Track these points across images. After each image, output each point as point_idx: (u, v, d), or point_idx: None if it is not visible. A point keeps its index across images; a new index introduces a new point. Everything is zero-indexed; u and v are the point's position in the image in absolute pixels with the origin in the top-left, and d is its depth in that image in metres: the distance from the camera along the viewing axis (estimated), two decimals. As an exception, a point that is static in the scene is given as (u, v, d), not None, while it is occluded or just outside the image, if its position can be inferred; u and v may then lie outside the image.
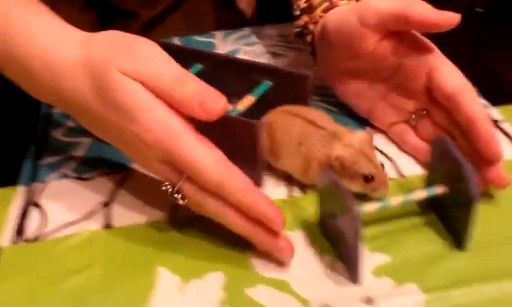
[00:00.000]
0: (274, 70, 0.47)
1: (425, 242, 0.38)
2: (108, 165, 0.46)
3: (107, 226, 0.41)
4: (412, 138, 0.46)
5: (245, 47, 0.63)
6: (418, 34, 0.44)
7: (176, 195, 0.36)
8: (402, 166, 0.45)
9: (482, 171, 0.40)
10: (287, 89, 0.47)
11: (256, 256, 0.38)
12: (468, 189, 0.35)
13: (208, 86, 0.36)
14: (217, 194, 0.35)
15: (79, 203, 0.43)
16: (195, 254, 0.38)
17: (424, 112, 0.45)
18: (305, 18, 0.50)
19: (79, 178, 0.45)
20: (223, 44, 0.64)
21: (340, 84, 0.49)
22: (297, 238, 0.39)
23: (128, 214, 0.42)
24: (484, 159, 0.40)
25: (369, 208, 0.37)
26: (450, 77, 0.42)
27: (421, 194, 0.38)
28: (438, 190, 0.38)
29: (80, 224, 0.41)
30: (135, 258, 0.38)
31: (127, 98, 0.35)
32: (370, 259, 0.37)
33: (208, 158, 0.35)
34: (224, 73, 0.49)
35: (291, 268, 0.37)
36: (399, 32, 0.44)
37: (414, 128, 0.46)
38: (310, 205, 0.41)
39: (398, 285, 0.36)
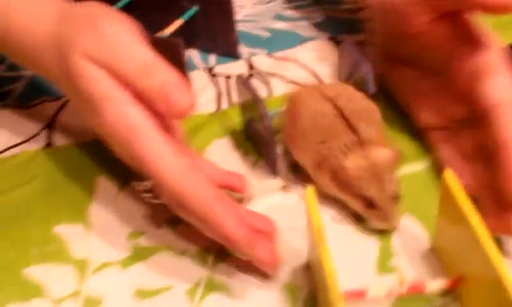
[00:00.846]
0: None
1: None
2: (49, 93, 0.49)
3: (48, 145, 0.44)
4: (446, 152, 0.38)
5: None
6: (476, 22, 0.36)
7: (146, 194, 0.34)
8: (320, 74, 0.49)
9: (498, 213, 0.33)
10: (213, 13, 0.50)
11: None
12: (367, 87, 0.40)
13: (178, 79, 0.32)
14: (180, 204, 0.32)
15: (20, 128, 0.46)
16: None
17: (467, 123, 0.37)
18: None
19: (21, 107, 0.48)
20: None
21: (387, 70, 0.42)
22: (224, 144, 0.44)
23: (69, 135, 0.45)
24: (500, 198, 0.33)
25: (279, 112, 0.41)
26: (496, 86, 0.34)
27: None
28: (345, 91, 0.43)
29: (22, 146, 0.44)
30: (75, 170, 0.42)
31: (89, 86, 0.32)
32: (287, 156, 0.42)
33: (172, 167, 0.31)
34: (153, 2, 0.51)
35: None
36: (454, 14, 0.36)
37: (453, 138, 0.38)
38: (236, 116, 0.45)
39: (311, 175, 0.41)
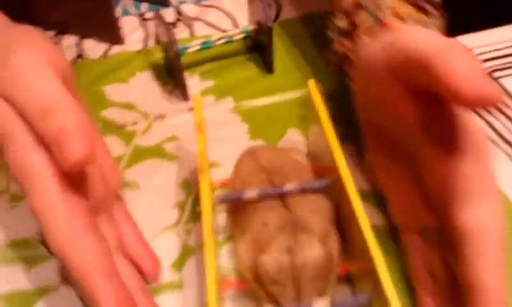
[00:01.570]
0: None
1: (245, 71, 0.49)
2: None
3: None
4: (415, 262, 0.32)
5: None
6: (472, 123, 0.28)
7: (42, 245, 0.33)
8: (238, 20, 0.55)
9: None
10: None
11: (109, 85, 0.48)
12: (266, 21, 0.46)
13: (78, 126, 0.27)
14: (66, 269, 0.28)
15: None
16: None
17: (439, 235, 0.31)
18: (346, 43, 0.36)
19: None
20: None
21: (370, 147, 0.36)
22: (147, 75, 0.50)
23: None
24: None
25: (192, 46, 0.47)
26: (473, 210, 0.27)
27: (237, 32, 0.49)
28: (249, 27, 0.49)
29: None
30: None
31: None
32: (200, 84, 0.48)
33: (61, 227, 0.27)
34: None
35: (136, 92, 0.47)
36: (440, 101, 0.29)
37: (423, 248, 0.32)
38: (159, 53, 0.51)
39: (218, 99, 0.47)
